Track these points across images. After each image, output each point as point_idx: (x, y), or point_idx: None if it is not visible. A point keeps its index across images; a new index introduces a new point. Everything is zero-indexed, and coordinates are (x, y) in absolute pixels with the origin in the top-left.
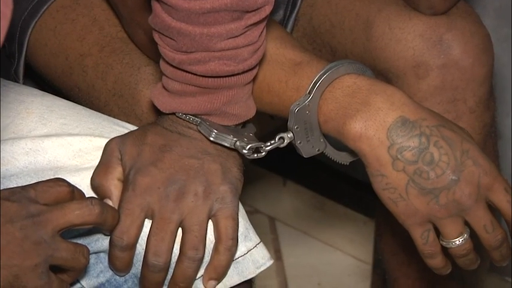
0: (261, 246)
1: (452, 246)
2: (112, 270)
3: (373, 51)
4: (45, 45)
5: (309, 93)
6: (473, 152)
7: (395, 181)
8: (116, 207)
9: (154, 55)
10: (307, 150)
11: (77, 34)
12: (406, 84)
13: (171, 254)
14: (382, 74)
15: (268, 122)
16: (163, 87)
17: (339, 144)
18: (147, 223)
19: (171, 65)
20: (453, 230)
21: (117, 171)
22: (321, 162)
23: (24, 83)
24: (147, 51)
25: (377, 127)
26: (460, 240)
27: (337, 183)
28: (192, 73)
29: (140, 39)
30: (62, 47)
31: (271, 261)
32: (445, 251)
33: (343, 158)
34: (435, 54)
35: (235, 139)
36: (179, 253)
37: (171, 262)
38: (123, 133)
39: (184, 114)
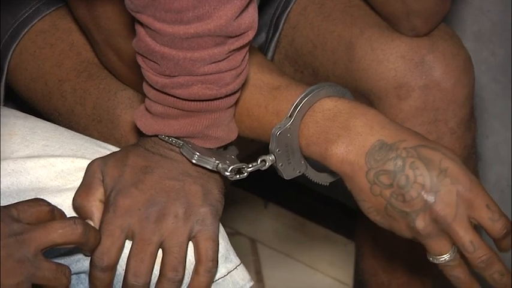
0: (241, 268)
1: (439, 263)
2: None
3: (355, 72)
4: (25, 70)
5: (290, 116)
6: (453, 169)
7: (375, 205)
8: (97, 229)
9: (128, 81)
10: (288, 172)
11: (55, 59)
12: (388, 105)
13: (151, 275)
14: (364, 95)
15: (249, 144)
16: (146, 109)
17: (319, 165)
18: (128, 244)
19: (154, 88)
20: (438, 248)
21: (99, 193)
22: (301, 185)
23: (5, 105)
24: (121, 77)
25: (357, 152)
26: (446, 257)
27: (318, 205)
28: (175, 96)
29: (115, 66)
30: (41, 72)
31: (252, 283)
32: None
33: (323, 179)
34: (417, 76)
35: (217, 162)
36: (159, 274)
37: (151, 283)
38: (105, 154)
39: (166, 136)
